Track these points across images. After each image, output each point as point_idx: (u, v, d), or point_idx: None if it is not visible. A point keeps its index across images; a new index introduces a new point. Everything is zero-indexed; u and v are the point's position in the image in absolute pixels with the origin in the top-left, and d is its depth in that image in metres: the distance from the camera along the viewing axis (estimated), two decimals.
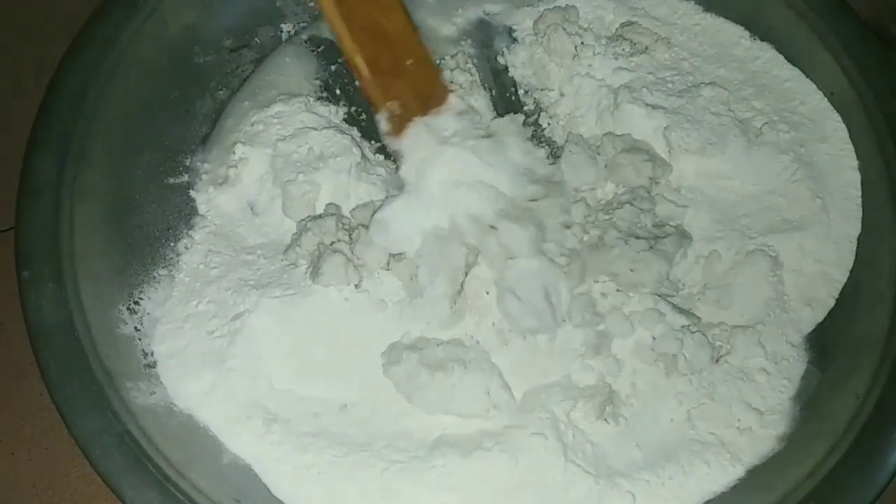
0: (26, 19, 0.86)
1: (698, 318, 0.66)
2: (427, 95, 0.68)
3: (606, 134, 0.72)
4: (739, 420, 0.63)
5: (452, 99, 0.70)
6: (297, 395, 0.63)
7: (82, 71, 0.69)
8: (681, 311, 0.65)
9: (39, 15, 0.86)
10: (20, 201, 0.64)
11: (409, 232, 0.64)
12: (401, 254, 0.65)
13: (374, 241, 0.64)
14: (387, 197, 0.68)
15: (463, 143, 0.67)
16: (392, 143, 0.68)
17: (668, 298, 0.66)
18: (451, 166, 0.66)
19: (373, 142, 0.75)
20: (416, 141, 0.67)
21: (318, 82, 0.78)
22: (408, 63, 0.67)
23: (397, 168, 0.68)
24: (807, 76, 0.75)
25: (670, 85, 0.75)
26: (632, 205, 0.67)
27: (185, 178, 0.73)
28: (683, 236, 0.68)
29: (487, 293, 0.65)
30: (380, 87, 0.66)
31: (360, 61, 0.65)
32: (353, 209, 0.68)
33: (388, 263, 0.66)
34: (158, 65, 0.74)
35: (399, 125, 0.67)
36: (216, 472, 0.60)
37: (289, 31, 0.80)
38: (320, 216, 0.68)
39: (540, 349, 0.64)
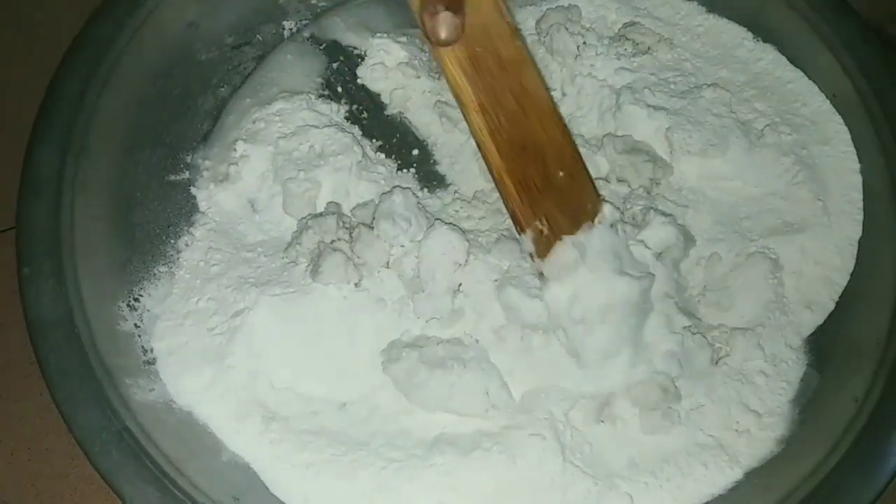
0: (29, 17, 0.86)
1: (698, 318, 0.66)
2: (579, 209, 0.60)
3: (607, 135, 0.72)
4: (738, 422, 0.63)
5: (606, 210, 0.62)
6: (296, 393, 0.63)
7: (84, 67, 0.69)
8: (682, 311, 0.65)
9: (42, 12, 0.86)
10: (21, 197, 0.64)
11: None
12: (402, 247, 0.65)
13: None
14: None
15: (616, 273, 0.59)
16: (537, 265, 0.61)
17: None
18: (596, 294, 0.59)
19: (374, 140, 0.75)
20: (563, 267, 0.59)
21: (319, 80, 0.78)
22: (560, 175, 0.59)
23: (542, 290, 0.60)
24: (809, 78, 0.75)
25: (672, 86, 0.74)
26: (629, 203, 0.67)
27: (186, 175, 0.73)
28: (687, 238, 0.68)
29: (486, 288, 0.65)
30: (528, 205, 0.58)
31: (507, 180, 0.57)
32: (354, 208, 0.68)
33: (388, 262, 0.66)
34: (160, 61, 0.74)
35: (546, 246, 0.59)
36: (215, 470, 0.60)
37: (291, 29, 0.80)
38: (321, 214, 0.68)
39: (539, 350, 0.64)
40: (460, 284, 0.65)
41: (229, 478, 0.60)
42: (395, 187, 0.67)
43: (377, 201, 0.67)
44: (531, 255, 0.60)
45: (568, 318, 0.59)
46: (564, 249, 0.59)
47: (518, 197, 0.57)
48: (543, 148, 0.57)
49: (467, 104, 0.54)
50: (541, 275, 0.60)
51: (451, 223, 0.66)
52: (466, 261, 0.64)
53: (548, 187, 0.57)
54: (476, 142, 0.56)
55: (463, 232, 0.65)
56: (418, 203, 0.67)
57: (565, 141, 0.58)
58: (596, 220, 0.60)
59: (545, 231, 0.57)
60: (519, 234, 0.60)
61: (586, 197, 0.60)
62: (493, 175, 0.57)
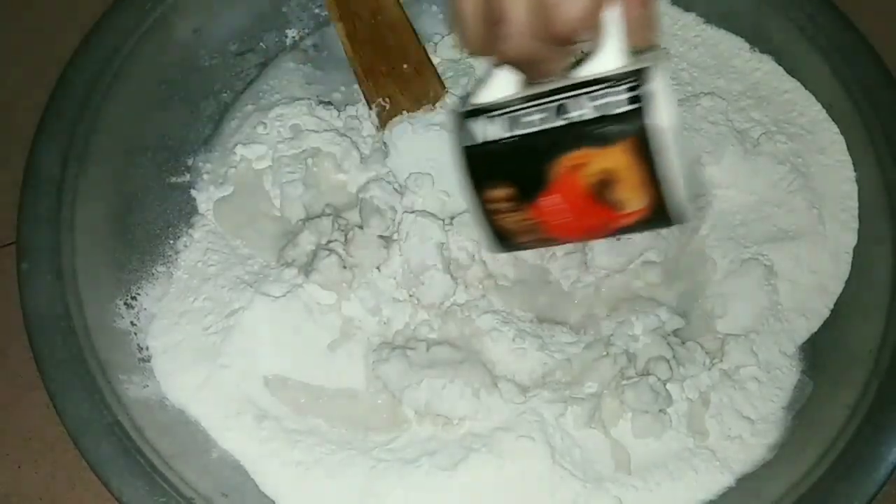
0: (35, 21, 0.88)
1: (691, 323, 0.66)
2: (420, 94, 0.73)
3: None
4: (730, 428, 0.63)
5: (448, 98, 0.73)
6: (288, 393, 0.64)
7: (90, 70, 0.70)
8: (674, 314, 0.65)
9: (49, 15, 0.88)
10: (23, 194, 0.65)
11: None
12: (388, 239, 0.67)
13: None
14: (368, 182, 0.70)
15: (440, 131, 0.69)
16: (382, 137, 0.72)
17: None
18: (426, 152, 0.69)
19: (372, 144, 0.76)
20: (399, 132, 0.70)
21: (320, 87, 0.79)
22: (404, 68, 0.73)
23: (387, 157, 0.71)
24: (806, 88, 0.75)
25: None
26: None
27: (187, 177, 0.74)
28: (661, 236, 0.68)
29: (474, 256, 0.67)
30: (373, 87, 0.73)
31: (357, 67, 0.74)
32: (343, 211, 0.69)
33: (379, 267, 0.66)
34: (165, 67, 0.75)
35: (386, 119, 0.72)
36: (205, 466, 0.61)
37: (293, 38, 0.82)
38: (317, 216, 0.68)
39: (531, 353, 0.64)
40: (451, 259, 0.66)
41: (219, 474, 0.61)
42: (368, 181, 0.69)
43: (358, 200, 0.68)
44: (377, 128, 0.73)
45: (403, 176, 0.70)
46: (399, 120, 0.71)
47: (365, 79, 0.73)
48: (390, 47, 0.74)
49: (332, 15, 0.75)
50: (384, 144, 0.71)
51: (419, 210, 0.67)
52: (447, 234, 0.66)
53: (391, 75, 0.73)
54: (340, 42, 0.75)
55: (431, 214, 0.67)
56: (393, 187, 0.68)
57: (412, 45, 0.74)
58: (437, 105, 0.72)
59: (387, 107, 0.72)
60: (369, 110, 0.74)
61: (429, 87, 0.73)
62: (350, 65, 0.75)
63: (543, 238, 0.50)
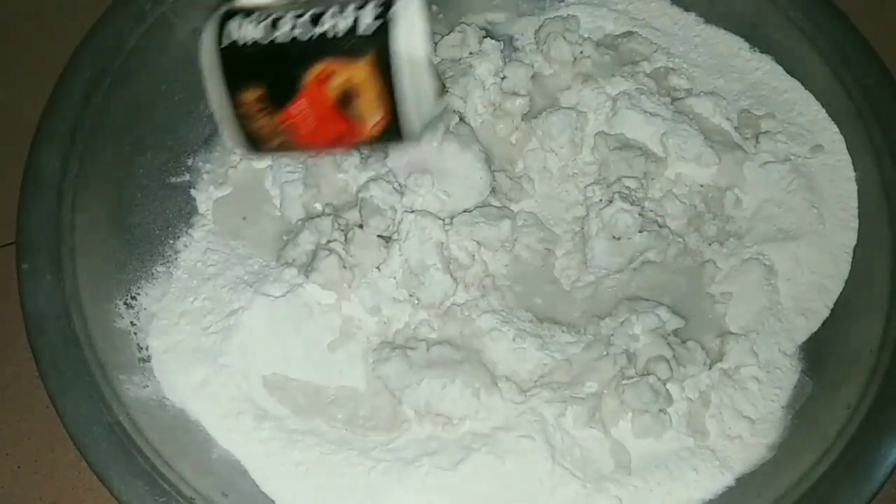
0: (35, 21, 0.88)
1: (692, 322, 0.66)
2: None
3: (598, 133, 0.72)
4: (730, 428, 0.63)
5: (446, 97, 0.71)
6: (288, 392, 0.64)
7: (90, 70, 0.70)
8: (675, 314, 0.65)
9: (49, 15, 0.88)
10: (23, 194, 0.65)
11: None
12: (388, 239, 0.67)
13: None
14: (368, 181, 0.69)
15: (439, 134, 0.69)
16: None
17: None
18: (426, 152, 0.69)
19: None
20: None
21: None
22: None
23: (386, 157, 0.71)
24: (805, 88, 0.76)
25: (669, 93, 0.75)
26: (620, 199, 0.68)
27: (187, 177, 0.74)
28: (659, 237, 0.68)
29: (474, 256, 0.67)
30: None
31: None
32: (342, 210, 0.69)
33: (379, 267, 0.66)
34: (165, 66, 0.75)
35: None
36: (205, 466, 0.61)
37: None
38: (317, 216, 0.68)
39: (531, 352, 0.64)
40: (451, 259, 0.66)
41: (219, 474, 0.61)
42: (368, 181, 0.69)
43: (358, 199, 0.68)
44: None
45: (403, 175, 0.69)
46: None
47: None
48: None
49: None
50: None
51: (418, 210, 0.67)
52: (447, 234, 0.66)
53: None
54: None
55: (431, 213, 0.67)
56: (392, 187, 0.68)
57: None
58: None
59: None
60: None
61: None
62: None
63: (292, 145, 0.54)
